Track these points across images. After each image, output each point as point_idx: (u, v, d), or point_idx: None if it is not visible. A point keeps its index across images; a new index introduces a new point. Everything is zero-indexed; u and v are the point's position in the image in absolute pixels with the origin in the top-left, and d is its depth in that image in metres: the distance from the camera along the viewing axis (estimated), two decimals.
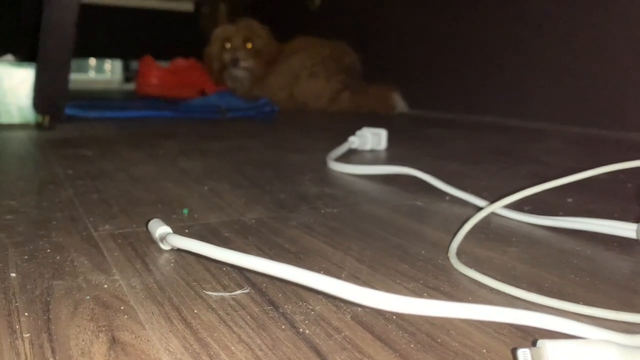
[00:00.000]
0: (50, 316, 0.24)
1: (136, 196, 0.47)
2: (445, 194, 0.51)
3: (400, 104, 1.49)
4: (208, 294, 0.27)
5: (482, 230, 0.40)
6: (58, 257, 0.32)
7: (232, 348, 0.22)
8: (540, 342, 0.20)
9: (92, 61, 2.39)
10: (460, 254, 0.35)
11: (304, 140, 0.88)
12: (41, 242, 0.34)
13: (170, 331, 0.23)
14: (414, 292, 0.29)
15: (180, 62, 1.86)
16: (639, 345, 0.22)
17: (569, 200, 0.51)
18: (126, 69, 2.40)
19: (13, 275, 0.29)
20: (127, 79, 2.38)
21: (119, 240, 0.35)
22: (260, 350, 0.22)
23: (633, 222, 0.39)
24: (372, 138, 0.80)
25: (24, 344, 0.22)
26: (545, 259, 0.34)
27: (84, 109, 1.11)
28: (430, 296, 0.28)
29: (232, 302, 0.26)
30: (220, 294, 0.27)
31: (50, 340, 0.22)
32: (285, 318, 0.25)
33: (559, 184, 0.40)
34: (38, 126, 0.92)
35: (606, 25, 1.08)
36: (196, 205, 0.45)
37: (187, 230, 0.38)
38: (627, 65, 1.05)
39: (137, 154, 0.70)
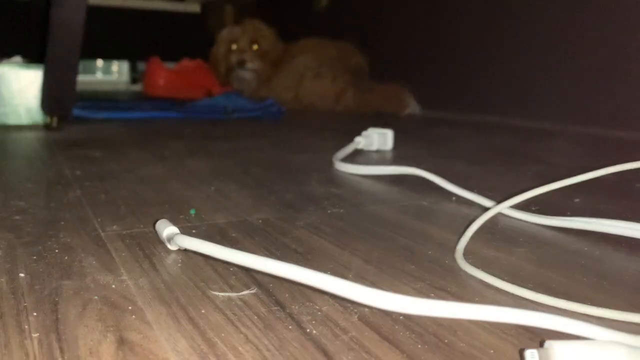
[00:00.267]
0: (59, 316, 0.24)
1: (144, 197, 0.48)
2: (451, 194, 0.51)
3: (412, 104, 1.48)
4: (215, 294, 0.27)
5: (489, 231, 0.40)
6: (66, 258, 0.32)
7: (240, 348, 0.22)
8: (547, 343, 0.20)
9: (100, 62, 2.40)
10: (467, 254, 0.35)
11: (310, 140, 0.89)
12: (49, 243, 0.35)
13: (178, 331, 0.24)
14: (421, 292, 0.29)
15: (186, 63, 1.87)
16: None
17: (577, 200, 0.50)
18: (133, 70, 2.41)
19: (22, 275, 0.29)
20: (134, 80, 2.39)
21: (127, 241, 0.36)
22: (268, 350, 0.22)
23: None
24: (378, 138, 0.80)
25: (32, 344, 0.22)
26: (552, 260, 0.34)
27: (91, 110, 1.12)
28: (437, 297, 0.28)
29: (239, 302, 0.27)
30: (227, 294, 0.28)
31: (59, 340, 0.22)
32: (292, 318, 0.25)
33: (566, 184, 0.40)
34: (46, 127, 0.93)
35: (612, 26, 1.07)
36: (203, 206, 0.45)
37: (194, 231, 0.38)
38: (632, 64, 1.05)
39: (145, 154, 0.70)
